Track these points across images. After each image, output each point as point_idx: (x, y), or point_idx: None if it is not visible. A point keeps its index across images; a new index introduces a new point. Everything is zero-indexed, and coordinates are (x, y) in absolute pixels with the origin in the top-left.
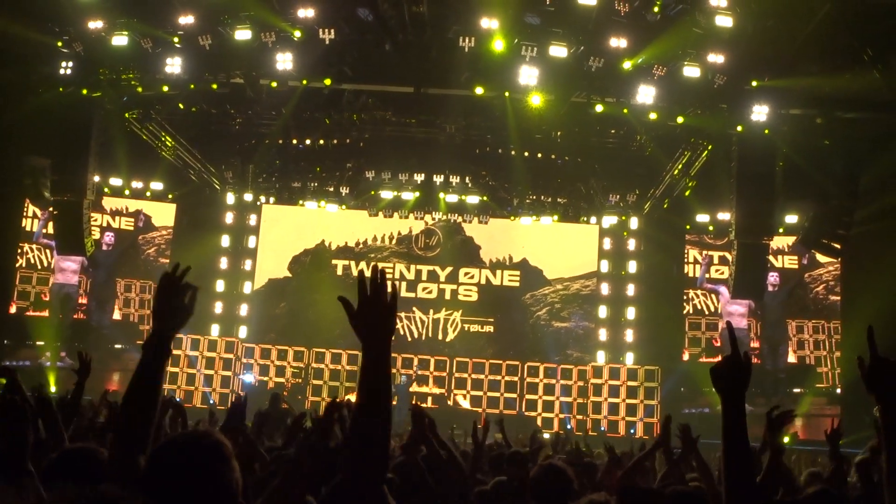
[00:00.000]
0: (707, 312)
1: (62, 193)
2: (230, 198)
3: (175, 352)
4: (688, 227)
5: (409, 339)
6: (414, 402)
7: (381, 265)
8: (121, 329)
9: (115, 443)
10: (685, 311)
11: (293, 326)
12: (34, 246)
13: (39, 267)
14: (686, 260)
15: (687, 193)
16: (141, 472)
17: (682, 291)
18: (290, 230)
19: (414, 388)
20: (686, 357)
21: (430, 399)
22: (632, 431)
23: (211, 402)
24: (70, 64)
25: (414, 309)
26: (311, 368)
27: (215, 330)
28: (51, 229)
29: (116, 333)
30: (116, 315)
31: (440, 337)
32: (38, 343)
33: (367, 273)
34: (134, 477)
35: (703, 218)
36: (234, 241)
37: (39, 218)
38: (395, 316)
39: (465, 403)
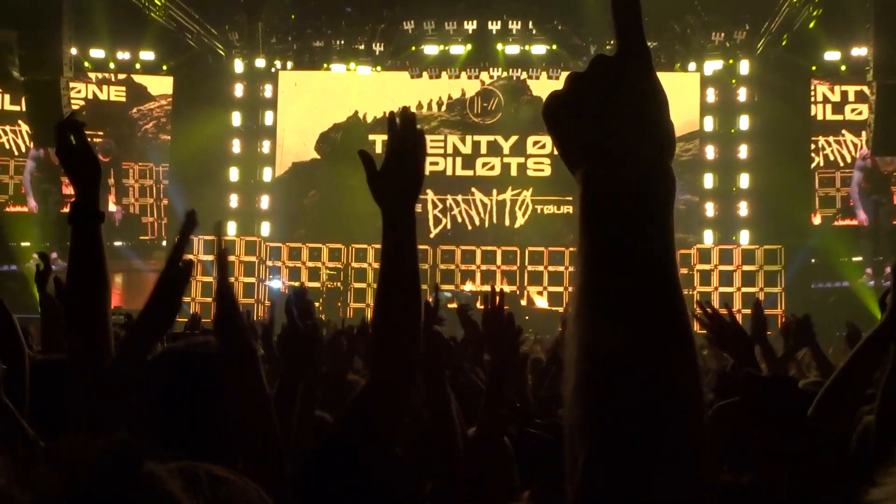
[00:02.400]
0: (842, 164)
1: (34, 72)
2: (238, 65)
3: (186, 256)
4: (813, 67)
5: (470, 226)
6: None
7: (429, 138)
8: (119, 224)
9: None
10: (814, 165)
11: (326, 220)
12: (6, 128)
13: (16, 153)
14: (813, 98)
15: (811, 25)
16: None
17: (808, 141)
18: (314, 101)
19: (478, 287)
20: (817, 220)
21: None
22: None
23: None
24: None
25: (473, 190)
26: (350, 269)
27: (232, 228)
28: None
29: (113, 229)
30: (112, 207)
31: (507, 223)
32: (22, 244)
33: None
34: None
35: (832, 56)
36: (246, 119)
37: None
38: (420, 173)
39: (543, 302)
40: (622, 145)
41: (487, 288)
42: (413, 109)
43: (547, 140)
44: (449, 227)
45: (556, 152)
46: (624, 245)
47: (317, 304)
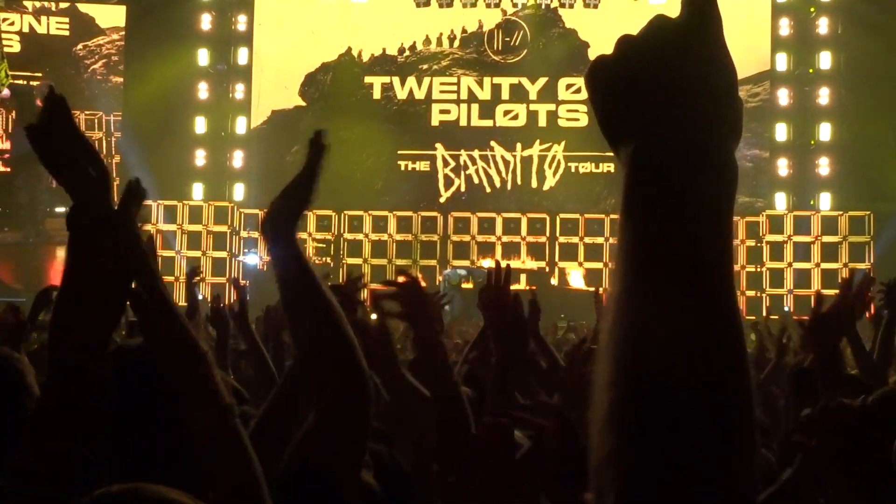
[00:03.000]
0: None
1: None
2: None
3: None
4: None
5: (488, 189)
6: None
7: (438, 81)
8: (63, 195)
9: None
10: None
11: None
12: None
13: None
14: None
15: None
16: None
17: None
18: (298, 35)
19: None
20: None
21: (522, 278)
22: None
23: (199, 297)
24: None
25: (492, 144)
26: (343, 241)
27: (198, 191)
28: None
29: (52, 193)
30: None
31: (534, 184)
32: None
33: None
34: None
35: None
36: (215, 57)
37: None
38: (311, 199)
39: (578, 280)
40: (678, 125)
41: (511, 263)
42: (419, 46)
43: (582, 83)
44: (463, 189)
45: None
46: (671, 245)
47: None
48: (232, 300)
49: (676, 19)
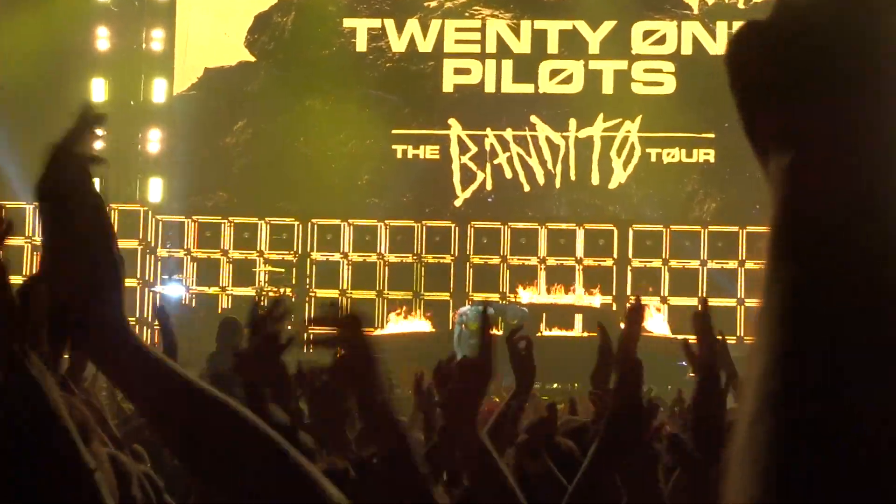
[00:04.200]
0: None
1: None
2: None
3: (14, 241)
4: None
5: (527, 186)
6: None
7: (453, 25)
8: None
9: None
10: None
11: (266, 174)
12: None
13: None
14: None
15: None
16: None
17: None
18: None
19: (541, 296)
20: None
21: (577, 321)
22: None
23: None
24: None
25: (533, 119)
26: (310, 265)
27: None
28: None
29: None
30: None
31: (595, 179)
32: None
33: None
34: None
35: None
36: None
37: None
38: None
39: (660, 324)
40: (858, 131)
41: (561, 298)
42: None
43: (668, 29)
44: (490, 186)
45: (683, 52)
46: (850, 282)
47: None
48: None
49: None
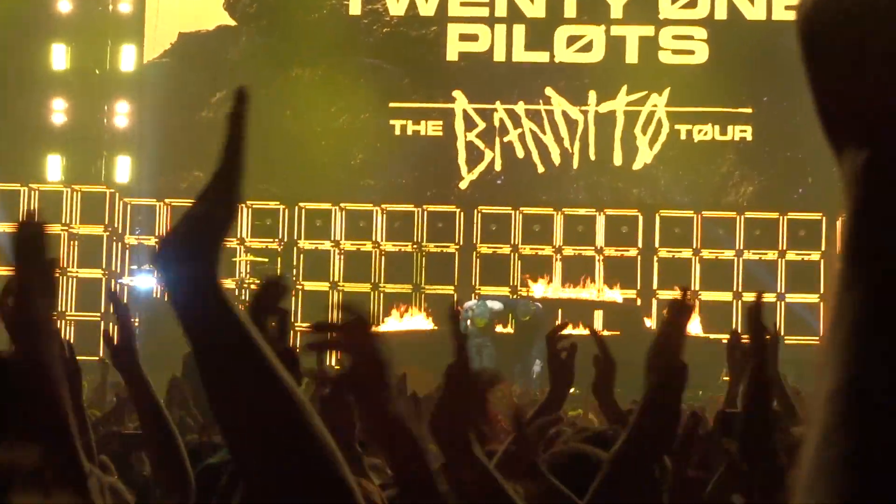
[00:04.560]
0: None
1: None
2: None
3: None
4: None
5: (541, 167)
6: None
7: None
8: None
9: None
10: None
11: (248, 151)
12: None
13: None
14: None
15: None
16: None
17: None
18: None
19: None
20: None
21: (597, 318)
22: None
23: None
24: None
25: (548, 92)
26: (298, 254)
27: (54, 168)
28: None
29: None
30: None
31: (617, 159)
32: None
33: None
34: None
35: None
36: None
37: None
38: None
39: (692, 323)
40: None
41: (578, 292)
42: None
43: None
44: (499, 167)
45: (717, 17)
46: None
47: None
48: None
49: None
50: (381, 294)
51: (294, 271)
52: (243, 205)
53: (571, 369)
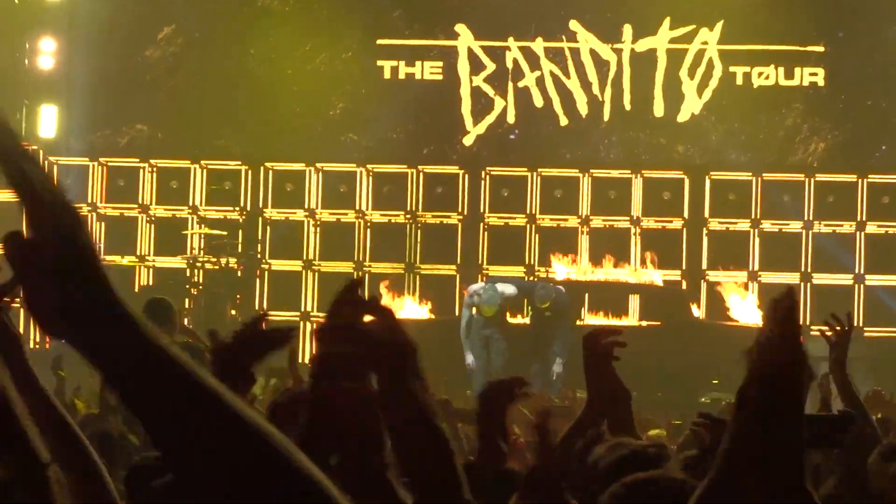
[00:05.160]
0: None
1: None
2: None
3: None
4: None
5: (564, 118)
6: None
7: None
8: None
9: None
10: None
11: (203, 99)
12: None
13: None
14: None
15: None
16: None
17: None
18: None
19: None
20: None
21: (631, 305)
22: None
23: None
24: None
25: (573, 25)
26: (263, 225)
27: None
28: None
29: None
30: None
31: (657, 110)
32: None
33: None
34: None
35: None
36: None
37: None
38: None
39: (747, 310)
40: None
41: (610, 273)
42: None
43: None
44: (511, 118)
45: None
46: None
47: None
48: None
49: None
50: (367, 275)
51: (258, 247)
52: (197, 165)
53: (614, 379)
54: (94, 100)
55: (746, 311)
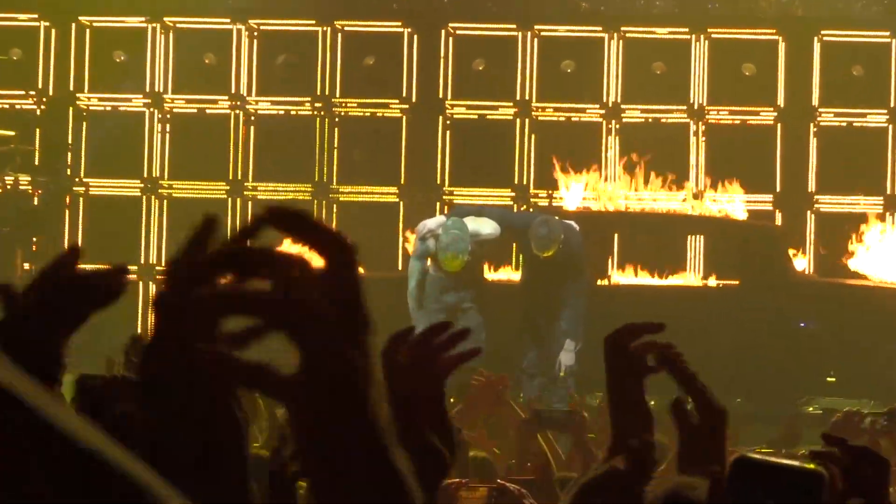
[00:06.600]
0: None
1: None
2: None
3: None
4: None
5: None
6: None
7: None
8: None
9: None
10: None
11: None
12: None
13: None
14: None
15: None
16: None
17: None
18: None
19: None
20: None
21: (700, 247)
22: None
23: None
24: None
25: None
26: (79, 118)
27: None
28: None
29: None
30: None
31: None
32: None
33: None
34: None
35: None
36: None
37: None
38: None
39: (884, 254)
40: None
41: (656, 197)
42: None
43: None
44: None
45: None
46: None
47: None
48: None
49: None
50: (249, 202)
51: (68, 158)
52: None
53: (644, 403)
54: None
55: (885, 260)
